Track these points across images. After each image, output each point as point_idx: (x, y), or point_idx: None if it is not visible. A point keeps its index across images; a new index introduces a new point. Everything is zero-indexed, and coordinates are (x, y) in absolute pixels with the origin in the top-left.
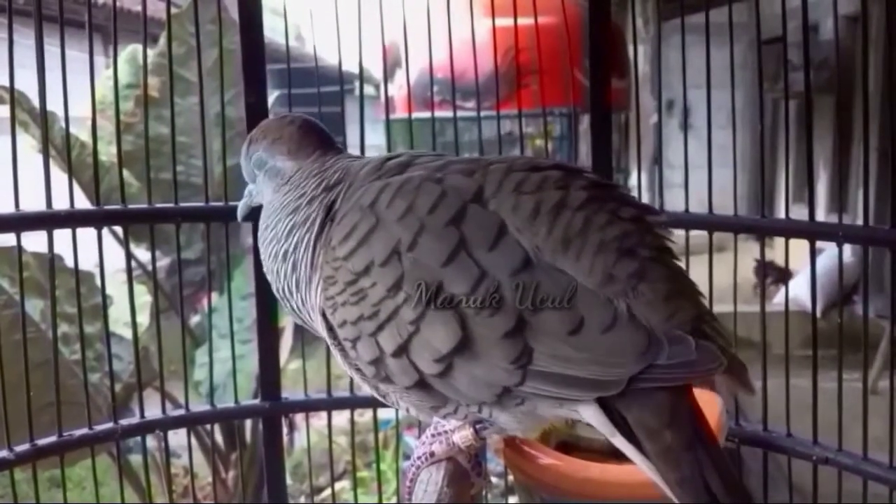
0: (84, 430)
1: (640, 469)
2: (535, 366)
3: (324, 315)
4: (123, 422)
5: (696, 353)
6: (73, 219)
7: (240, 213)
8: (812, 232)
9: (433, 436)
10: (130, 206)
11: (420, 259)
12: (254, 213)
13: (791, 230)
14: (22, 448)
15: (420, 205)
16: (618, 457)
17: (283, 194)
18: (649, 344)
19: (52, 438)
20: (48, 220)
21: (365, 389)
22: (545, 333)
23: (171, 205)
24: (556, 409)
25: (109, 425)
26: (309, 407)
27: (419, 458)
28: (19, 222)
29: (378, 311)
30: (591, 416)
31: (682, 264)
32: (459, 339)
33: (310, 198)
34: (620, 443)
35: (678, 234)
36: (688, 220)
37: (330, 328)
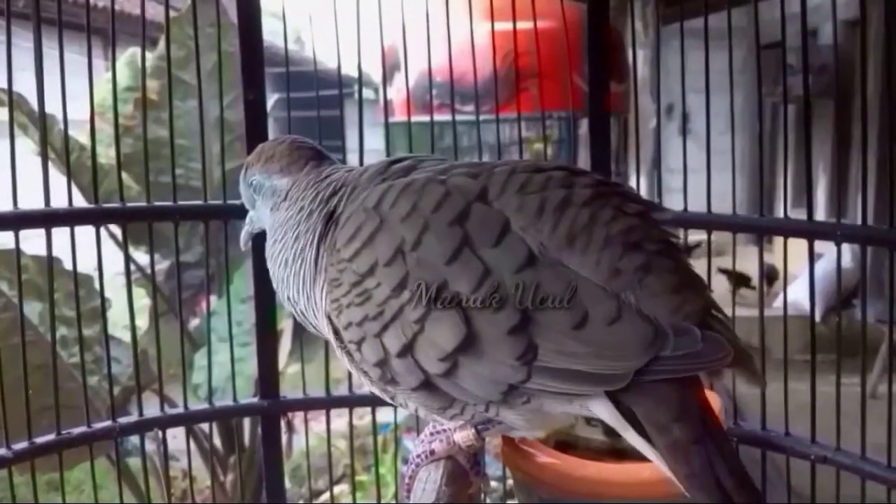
0: (82, 429)
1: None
2: (540, 362)
3: (329, 318)
4: (122, 420)
5: (702, 345)
6: (71, 217)
7: (243, 242)
8: (810, 231)
9: (433, 434)
10: (129, 205)
11: (424, 258)
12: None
13: (789, 229)
14: (20, 446)
15: (424, 205)
16: (616, 456)
17: (283, 210)
18: (655, 336)
19: (51, 437)
20: (47, 218)
21: (366, 389)
22: (550, 329)
23: (169, 203)
24: (564, 405)
25: (108, 423)
26: (307, 405)
27: (419, 455)
28: (18, 220)
29: (383, 311)
30: (601, 412)
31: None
32: (464, 337)
33: (308, 211)
34: (632, 437)
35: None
36: (686, 220)
37: (336, 331)
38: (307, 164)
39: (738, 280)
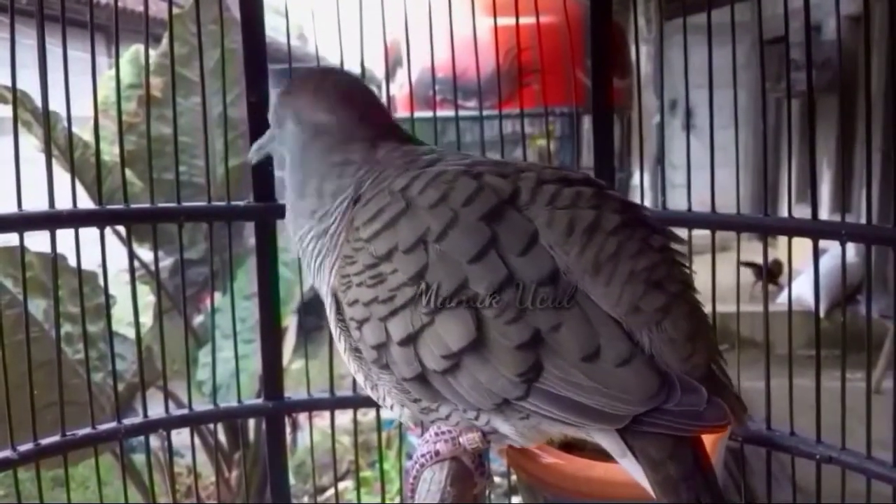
0: (87, 430)
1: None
2: (541, 384)
3: (335, 294)
4: (126, 421)
5: (705, 406)
6: (75, 218)
7: (253, 156)
8: (815, 231)
9: (438, 434)
10: (133, 206)
11: (447, 252)
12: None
13: (794, 229)
14: (25, 447)
15: (455, 197)
16: None
17: (320, 151)
18: (661, 387)
19: (56, 438)
20: (51, 220)
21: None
22: (559, 355)
23: (173, 204)
24: (562, 426)
25: (113, 425)
26: (312, 406)
27: (423, 455)
28: (22, 222)
29: (394, 296)
30: (601, 438)
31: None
32: (472, 340)
33: (343, 173)
34: (628, 464)
35: (681, 233)
36: (691, 219)
37: (338, 306)
38: (357, 114)
39: (760, 274)
